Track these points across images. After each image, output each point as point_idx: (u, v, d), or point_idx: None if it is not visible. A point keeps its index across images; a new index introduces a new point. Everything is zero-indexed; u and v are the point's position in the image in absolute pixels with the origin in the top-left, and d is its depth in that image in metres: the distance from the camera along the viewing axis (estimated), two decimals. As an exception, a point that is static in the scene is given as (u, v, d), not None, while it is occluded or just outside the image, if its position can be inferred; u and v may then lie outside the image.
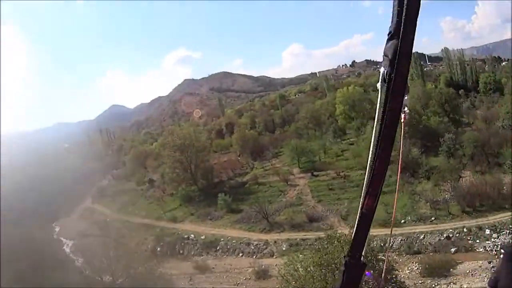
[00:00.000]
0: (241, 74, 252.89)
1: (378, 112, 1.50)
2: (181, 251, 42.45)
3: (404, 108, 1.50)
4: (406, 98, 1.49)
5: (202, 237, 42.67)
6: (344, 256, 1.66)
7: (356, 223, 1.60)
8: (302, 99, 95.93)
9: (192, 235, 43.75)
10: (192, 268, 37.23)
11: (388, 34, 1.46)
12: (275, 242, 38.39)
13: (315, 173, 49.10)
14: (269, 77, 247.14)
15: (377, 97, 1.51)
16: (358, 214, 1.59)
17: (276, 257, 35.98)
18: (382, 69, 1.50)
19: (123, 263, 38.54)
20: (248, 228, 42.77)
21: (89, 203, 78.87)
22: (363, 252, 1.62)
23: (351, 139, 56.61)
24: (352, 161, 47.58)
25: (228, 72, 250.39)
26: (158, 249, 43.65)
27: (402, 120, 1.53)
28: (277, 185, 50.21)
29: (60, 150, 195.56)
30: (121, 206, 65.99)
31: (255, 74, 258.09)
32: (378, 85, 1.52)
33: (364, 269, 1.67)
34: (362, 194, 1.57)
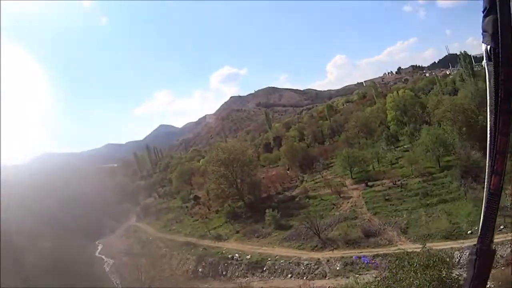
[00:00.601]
0: (287, 89, 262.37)
1: (490, 88, 1.56)
2: (224, 272, 41.59)
3: None
4: None
5: (248, 257, 41.43)
6: (474, 245, 1.69)
7: (484, 206, 1.66)
8: (350, 108, 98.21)
9: (237, 255, 42.77)
10: (235, 292, 35.80)
11: (483, 11, 1.55)
12: (327, 261, 36.11)
13: (369, 183, 48.21)
14: (316, 90, 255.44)
15: (485, 75, 1.58)
16: (485, 197, 1.66)
17: (329, 278, 33.97)
18: (484, 46, 1.58)
19: (161, 284, 38.41)
20: (298, 246, 41.11)
21: (133, 221, 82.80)
22: (493, 238, 1.68)
23: (405, 146, 56.76)
24: (408, 169, 46.95)
25: (275, 87, 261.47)
26: (200, 269, 43.45)
27: None
28: (328, 198, 49.43)
29: (108, 169, 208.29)
30: (165, 224, 68.12)
31: (301, 87, 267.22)
32: (483, 63, 1.59)
33: (494, 256, 1.73)
34: (487, 175, 1.65)
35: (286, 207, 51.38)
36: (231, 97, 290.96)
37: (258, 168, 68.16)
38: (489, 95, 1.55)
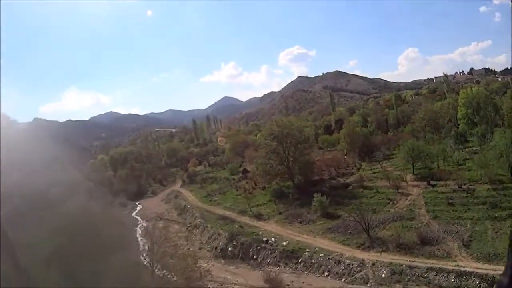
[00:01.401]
0: (355, 75, 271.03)
1: None
2: (254, 256, 36.94)
3: None
4: None
5: (284, 243, 36.39)
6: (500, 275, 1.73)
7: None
8: (419, 100, 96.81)
9: (273, 239, 37.90)
10: (261, 280, 30.99)
11: None
12: (373, 264, 30.38)
13: (432, 182, 44.00)
14: (384, 80, 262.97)
15: None
16: None
17: (371, 286, 28.18)
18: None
19: (183, 258, 34.60)
20: (343, 240, 35.90)
21: (178, 187, 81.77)
22: None
23: (474, 147, 53.25)
24: (476, 173, 42.38)
25: (343, 72, 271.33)
26: (230, 248, 39.05)
27: None
28: (385, 192, 45.28)
29: (166, 133, 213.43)
30: (208, 194, 65.75)
31: (370, 76, 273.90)
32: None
33: None
34: None
35: (337, 195, 47.05)
36: (298, 77, 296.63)
37: (314, 148, 65.01)
38: None
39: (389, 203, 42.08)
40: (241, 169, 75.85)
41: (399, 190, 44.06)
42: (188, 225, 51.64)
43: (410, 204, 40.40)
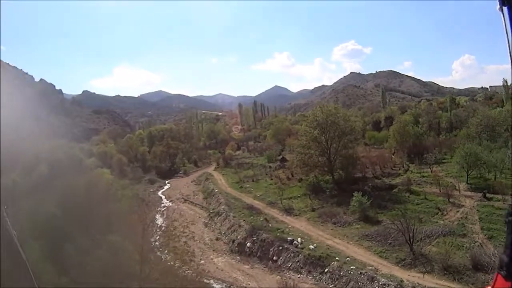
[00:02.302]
0: (409, 76, 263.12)
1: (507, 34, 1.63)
2: (274, 257, 31.49)
3: None
4: None
5: (311, 247, 30.67)
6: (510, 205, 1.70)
7: None
8: (475, 105, 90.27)
9: (299, 239, 32.29)
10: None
11: None
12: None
13: (488, 195, 38.82)
14: (438, 84, 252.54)
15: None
16: None
17: None
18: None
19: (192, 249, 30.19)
20: (380, 252, 29.77)
21: (212, 169, 78.21)
22: None
23: None
24: None
25: (396, 72, 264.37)
26: (248, 244, 34.00)
27: None
28: (434, 199, 40.11)
29: (212, 116, 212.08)
30: (240, 179, 61.17)
31: (423, 78, 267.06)
32: (497, 8, 1.61)
33: None
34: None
35: (380, 196, 41.52)
36: (351, 73, 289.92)
37: (359, 143, 58.57)
38: (507, 38, 1.55)
39: (438, 213, 36.86)
40: (279, 157, 71.20)
41: (450, 200, 38.90)
42: (211, 211, 47.19)
43: (462, 218, 34.93)
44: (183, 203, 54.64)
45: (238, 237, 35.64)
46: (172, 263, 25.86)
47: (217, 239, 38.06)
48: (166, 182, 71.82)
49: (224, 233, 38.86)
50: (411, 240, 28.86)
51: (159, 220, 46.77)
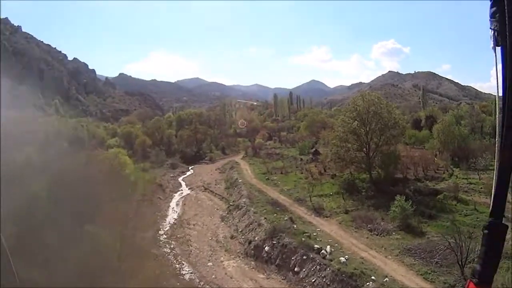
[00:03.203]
0: (447, 79, 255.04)
1: (497, 74, 1.65)
2: (296, 269, 25.32)
3: None
4: None
5: (342, 259, 24.23)
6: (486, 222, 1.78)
7: (495, 180, 1.69)
8: None
9: (328, 248, 25.84)
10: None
11: None
12: None
13: None
14: (476, 90, 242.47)
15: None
16: (495, 170, 1.69)
17: None
18: (491, 32, 1.61)
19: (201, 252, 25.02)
20: (425, 273, 23.09)
21: (239, 157, 73.12)
22: (504, 213, 1.72)
23: None
24: None
25: (435, 74, 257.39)
26: (266, 248, 28.08)
27: None
28: (485, 211, 29.41)
29: (247, 105, 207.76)
30: (267, 170, 55.38)
31: (462, 82, 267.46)
32: (491, 47, 1.63)
33: (506, 230, 1.76)
34: (497, 148, 1.69)
35: (423, 202, 34.70)
36: (389, 71, 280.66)
37: (401, 139, 50.83)
38: (499, 79, 1.59)
39: (490, 227, 28.37)
40: (312, 150, 64.85)
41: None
42: (231, 203, 41.70)
43: (520, 237, 26.08)
44: (203, 191, 49.58)
45: (256, 238, 29.72)
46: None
47: (232, 237, 32.39)
48: (190, 168, 67.28)
49: (241, 231, 33.04)
50: (462, 261, 22.20)
51: (172, 209, 42.15)
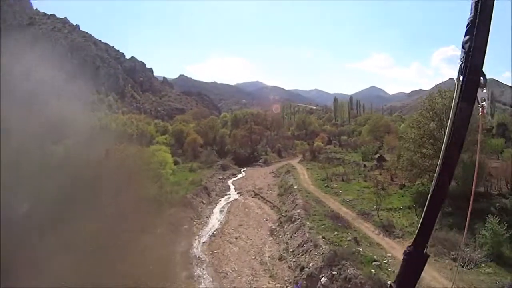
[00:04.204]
0: (511, 87, 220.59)
1: (454, 105, 1.70)
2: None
3: (482, 102, 1.70)
4: (484, 91, 1.69)
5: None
6: (408, 246, 1.77)
7: (426, 208, 1.73)
8: None
9: None
10: None
11: (466, 27, 1.63)
12: None
13: None
14: None
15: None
16: (428, 198, 1.73)
17: None
18: (459, 62, 1.67)
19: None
20: None
21: (296, 161, 67.27)
22: (428, 242, 1.74)
23: None
24: None
25: (497, 81, 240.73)
26: (323, 279, 20.84)
27: (480, 114, 1.74)
28: None
29: (307, 109, 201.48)
30: (327, 176, 48.59)
31: None
32: (455, 78, 1.69)
33: (426, 261, 1.78)
34: (435, 176, 1.74)
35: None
36: (449, 78, 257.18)
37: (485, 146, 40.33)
38: (452, 111, 1.65)
39: None
40: (376, 156, 57.51)
41: None
42: (283, 214, 35.11)
43: None
44: (252, 197, 43.52)
45: (311, 264, 22.65)
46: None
47: (280, 258, 25.70)
48: (242, 170, 62.00)
49: (293, 251, 26.20)
50: None
51: (215, 216, 36.39)
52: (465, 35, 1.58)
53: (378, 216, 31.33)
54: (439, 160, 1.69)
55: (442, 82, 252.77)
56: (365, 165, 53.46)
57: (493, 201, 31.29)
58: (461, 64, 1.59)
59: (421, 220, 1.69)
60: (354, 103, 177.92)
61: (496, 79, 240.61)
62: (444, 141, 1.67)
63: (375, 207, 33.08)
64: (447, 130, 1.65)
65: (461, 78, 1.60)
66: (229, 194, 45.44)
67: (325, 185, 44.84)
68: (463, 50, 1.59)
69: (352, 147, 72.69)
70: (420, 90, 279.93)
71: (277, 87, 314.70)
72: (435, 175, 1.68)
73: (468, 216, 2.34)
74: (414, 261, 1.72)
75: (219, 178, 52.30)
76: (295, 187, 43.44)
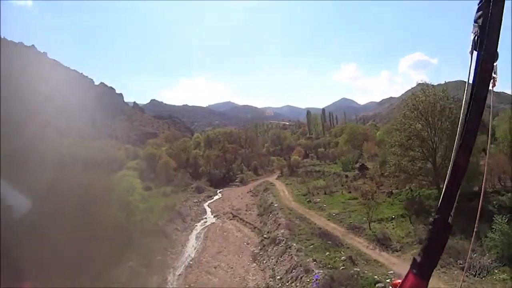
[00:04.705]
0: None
1: (468, 78, 1.69)
2: None
3: (494, 74, 1.66)
4: (495, 64, 1.64)
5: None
6: (432, 216, 1.77)
7: (447, 180, 1.72)
8: None
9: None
10: None
11: (479, 3, 1.60)
12: None
13: None
14: (509, 94, 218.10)
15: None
16: (450, 170, 1.73)
17: None
18: (472, 36, 1.64)
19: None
20: None
21: (274, 177, 64.37)
22: (452, 212, 1.74)
23: None
24: None
25: (465, 82, 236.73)
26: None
27: (491, 87, 1.70)
28: None
29: (279, 125, 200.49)
30: (308, 191, 45.54)
31: (496, 89, 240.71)
32: (469, 52, 1.65)
33: (451, 230, 1.79)
34: (454, 150, 1.75)
35: None
36: (418, 84, 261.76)
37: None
38: (468, 82, 1.64)
39: None
40: (357, 165, 55.12)
41: None
42: (265, 235, 31.55)
43: None
44: (230, 219, 39.72)
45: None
46: None
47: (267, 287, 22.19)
48: (218, 191, 58.13)
49: (281, 278, 22.34)
50: None
51: (191, 244, 32.52)
52: (477, 11, 1.53)
53: (370, 228, 28.50)
54: (459, 127, 1.65)
55: (412, 88, 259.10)
56: (347, 176, 51.04)
57: (490, 199, 29.20)
58: (475, 37, 1.54)
59: (444, 189, 1.65)
60: (327, 115, 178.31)
61: (465, 80, 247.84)
62: (461, 118, 1.59)
63: (365, 219, 30.28)
64: (465, 96, 1.61)
65: (475, 53, 1.55)
66: (206, 217, 41.55)
67: (308, 200, 41.97)
68: (476, 24, 1.54)
69: (331, 159, 70.78)
70: (391, 98, 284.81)
71: (249, 105, 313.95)
72: (456, 140, 1.67)
73: (477, 220, 2.17)
74: (439, 231, 1.69)
75: (194, 202, 48.39)
76: (276, 205, 40.10)
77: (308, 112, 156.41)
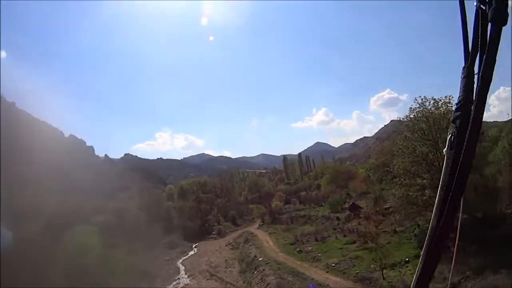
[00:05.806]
0: None
1: (443, 178, 1.50)
2: None
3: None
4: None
5: None
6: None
7: (424, 249, 1.54)
8: None
9: None
10: None
11: (457, 104, 1.50)
12: None
13: None
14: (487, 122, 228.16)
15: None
16: (426, 239, 1.55)
17: None
18: (449, 136, 1.52)
19: None
20: None
21: (255, 227, 58.42)
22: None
23: None
24: None
25: None
26: None
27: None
28: None
29: (256, 173, 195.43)
30: (296, 239, 40.06)
31: None
32: (444, 151, 1.53)
33: None
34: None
35: None
36: (391, 121, 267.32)
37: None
38: (441, 185, 1.46)
39: None
40: (347, 205, 49.92)
41: None
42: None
43: None
44: (207, 279, 32.80)
45: None
46: None
47: None
48: (193, 245, 51.27)
49: None
50: None
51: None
52: (456, 111, 1.44)
53: (384, 278, 22.46)
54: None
55: (385, 125, 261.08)
56: (338, 218, 45.57)
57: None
58: (451, 137, 1.45)
59: (421, 258, 1.48)
60: (303, 160, 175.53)
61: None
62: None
63: (373, 266, 24.32)
64: (438, 198, 1.43)
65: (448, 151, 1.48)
66: (178, 278, 34.36)
67: (297, 249, 36.11)
68: (454, 125, 1.45)
69: (315, 201, 64.94)
70: (365, 137, 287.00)
71: (223, 156, 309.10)
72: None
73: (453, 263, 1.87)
74: None
75: (166, 259, 41.14)
76: (260, 258, 33.59)
77: (285, 157, 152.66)
